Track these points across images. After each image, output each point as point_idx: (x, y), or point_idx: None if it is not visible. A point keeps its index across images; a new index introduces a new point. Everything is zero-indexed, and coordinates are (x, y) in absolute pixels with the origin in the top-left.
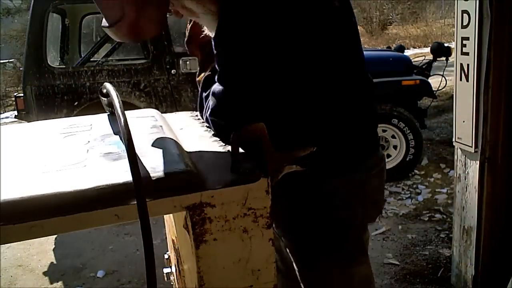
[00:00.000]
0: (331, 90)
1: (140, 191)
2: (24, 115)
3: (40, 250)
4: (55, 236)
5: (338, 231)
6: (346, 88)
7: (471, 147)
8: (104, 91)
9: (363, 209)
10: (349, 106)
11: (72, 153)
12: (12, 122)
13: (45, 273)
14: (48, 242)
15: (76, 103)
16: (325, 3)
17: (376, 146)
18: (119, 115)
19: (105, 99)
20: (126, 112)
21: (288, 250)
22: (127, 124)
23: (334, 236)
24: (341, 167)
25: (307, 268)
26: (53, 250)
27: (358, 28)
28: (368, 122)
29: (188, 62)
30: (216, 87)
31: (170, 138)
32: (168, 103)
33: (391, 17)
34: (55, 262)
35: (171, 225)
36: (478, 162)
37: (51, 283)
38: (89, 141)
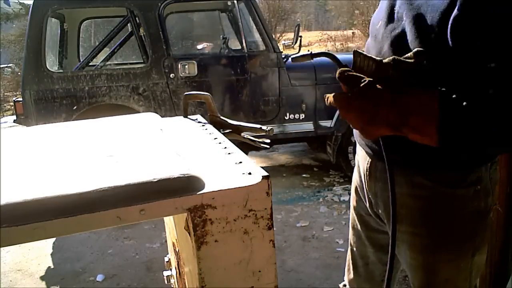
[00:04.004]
0: None
1: None
2: (23, 119)
3: (39, 255)
4: (53, 240)
5: (473, 221)
6: None
7: None
8: None
9: (492, 200)
10: None
11: (74, 155)
12: (11, 126)
13: (44, 278)
14: (47, 247)
15: (75, 107)
16: None
17: None
18: None
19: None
20: (126, 116)
21: (402, 245)
22: None
23: (467, 226)
24: (484, 156)
25: (432, 262)
26: (52, 254)
27: (356, 31)
28: None
29: (186, 66)
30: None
31: (171, 141)
32: (167, 107)
33: None
34: (54, 267)
35: (171, 228)
36: None
37: (51, 287)
38: (90, 144)
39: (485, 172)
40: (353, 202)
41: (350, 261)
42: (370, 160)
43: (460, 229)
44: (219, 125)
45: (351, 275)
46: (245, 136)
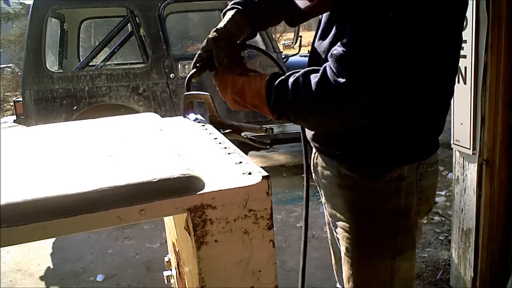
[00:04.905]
0: (429, 88)
1: None
2: (23, 119)
3: (39, 255)
4: (53, 240)
5: (392, 220)
6: (438, 89)
7: (469, 149)
8: None
9: (418, 202)
10: (432, 104)
11: (74, 155)
12: (11, 127)
13: (44, 278)
14: (47, 247)
15: (75, 107)
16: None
17: (437, 146)
18: None
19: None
20: (126, 116)
21: (338, 234)
22: None
23: (386, 224)
24: (407, 156)
25: (352, 257)
26: (52, 254)
27: None
28: (440, 120)
29: (186, 66)
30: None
31: (171, 141)
32: (167, 107)
33: None
34: (54, 267)
35: (171, 228)
36: (476, 164)
37: (50, 287)
38: (91, 144)
39: (410, 172)
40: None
41: (332, 256)
42: (314, 153)
43: (379, 225)
44: (219, 125)
45: (335, 267)
46: (245, 136)
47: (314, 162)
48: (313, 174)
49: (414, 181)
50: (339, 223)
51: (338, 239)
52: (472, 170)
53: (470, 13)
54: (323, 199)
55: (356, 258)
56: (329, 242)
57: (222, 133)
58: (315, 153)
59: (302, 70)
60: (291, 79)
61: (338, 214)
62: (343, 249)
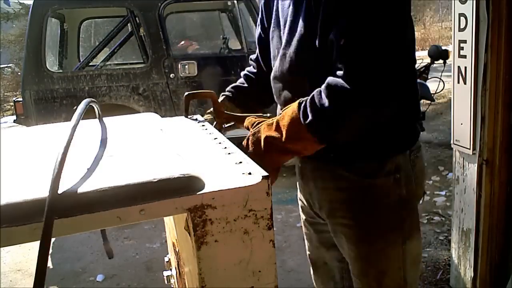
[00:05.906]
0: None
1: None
2: (23, 119)
3: None
4: (53, 240)
5: (398, 209)
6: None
7: (469, 149)
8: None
9: (415, 188)
10: (412, 87)
11: (74, 155)
12: (11, 127)
13: None
14: None
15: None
16: None
17: (419, 130)
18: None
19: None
20: (126, 116)
21: (341, 237)
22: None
23: (393, 215)
24: (399, 145)
25: (365, 254)
26: (52, 254)
27: None
28: (417, 104)
29: (186, 66)
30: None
31: (171, 141)
32: (167, 107)
33: None
34: (54, 267)
35: (171, 228)
36: (476, 164)
37: (50, 287)
38: (90, 145)
39: (404, 161)
40: (300, 210)
41: (311, 265)
42: (300, 161)
43: (386, 218)
44: (226, 119)
45: (314, 277)
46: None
47: (299, 171)
48: (301, 186)
49: (410, 169)
50: (343, 227)
51: (339, 242)
52: (472, 170)
53: (470, 14)
54: (313, 209)
55: (369, 253)
56: (310, 255)
57: (229, 126)
58: (299, 162)
59: (322, 87)
60: (315, 94)
61: (339, 218)
62: (352, 249)
